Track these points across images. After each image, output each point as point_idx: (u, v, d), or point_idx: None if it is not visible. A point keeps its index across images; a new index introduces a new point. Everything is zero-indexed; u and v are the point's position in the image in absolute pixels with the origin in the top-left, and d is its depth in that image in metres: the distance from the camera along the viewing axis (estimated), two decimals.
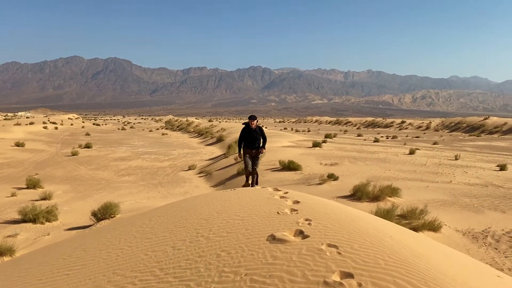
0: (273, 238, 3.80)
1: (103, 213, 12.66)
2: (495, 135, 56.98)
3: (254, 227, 4.33)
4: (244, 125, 9.54)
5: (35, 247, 10.85)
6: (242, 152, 9.52)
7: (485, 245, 8.08)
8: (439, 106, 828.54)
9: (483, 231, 8.93)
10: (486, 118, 68.47)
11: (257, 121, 9.57)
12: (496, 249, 7.88)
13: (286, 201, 5.80)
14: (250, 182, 9.84)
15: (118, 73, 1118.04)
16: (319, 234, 3.81)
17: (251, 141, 9.27)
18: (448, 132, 67.83)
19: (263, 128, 10.08)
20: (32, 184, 19.10)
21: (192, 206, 6.47)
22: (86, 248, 5.49)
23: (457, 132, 66.71)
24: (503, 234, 8.69)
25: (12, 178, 21.91)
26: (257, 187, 9.22)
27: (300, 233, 3.88)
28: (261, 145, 9.47)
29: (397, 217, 8.99)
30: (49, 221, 13.52)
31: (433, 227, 8.55)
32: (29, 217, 13.26)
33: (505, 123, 61.66)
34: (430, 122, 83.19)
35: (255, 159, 9.45)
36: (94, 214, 12.78)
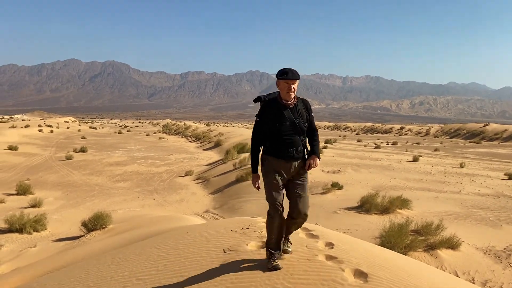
0: None
1: (94, 224, 11.89)
2: (495, 142, 56.42)
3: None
4: (262, 103, 4.04)
5: (20, 260, 10.11)
6: (262, 167, 4.04)
7: (510, 266, 7.37)
8: (437, 112, 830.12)
9: (505, 248, 8.22)
10: (486, 125, 67.94)
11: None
12: None
13: (317, 242, 4.45)
14: (281, 249, 4.00)
15: (116, 77, 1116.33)
16: None
17: (286, 140, 3.88)
18: (448, 138, 67.28)
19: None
20: (22, 190, 18.31)
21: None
22: None
23: (457, 138, 66.16)
24: None
25: (2, 183, 21.11)
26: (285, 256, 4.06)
27: None
28: (309, 148, 4.11)
29: (411, 233, 8.27)
30: (37, 231, 12.73)
31: (452, 244, 7.85)
32: (15, 227, 12.47)
33: (505, 130, 61.12)
34: (429, 128, 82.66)
35: (297, 186, 3.93)
36: (84, 224, 12.00)
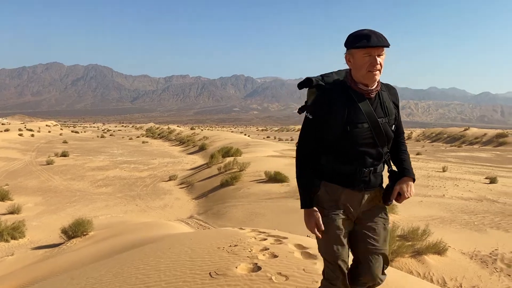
0: None
1: (75, 230, 11.56)
2: (476, 146, 57.33)
3: None
4: (319, 91, 2.46)
5: None
6: (317, 199, 2.44)
7: (497, 271, 7.36)
8: (418, 116, 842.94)
9: (490, 253, 8.23)
10: (467, 129, 69.06)
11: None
12: (510, 275, 7.17)
13: (315, 264, 3.85)
14: None
15: (98, 80, 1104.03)
16: None
17: (360, 153, 2.37)
18: (429, 142, 68.20)
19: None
20: (1, 196, 17.76)
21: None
22: None
23: (438, 142, 67.10)
24: None
25: None
26: None
27: None
28: (391, 165, 2.58)
29: (398, 238, 8.22)
30: (15, 239, 12.35)
31: (438, 250, 7.81)
32: None
33: (485, 134, 62.19)
34: (411, 133, 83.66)
35: (370, 231, 2.45)
36: (64, 231, 11.67)
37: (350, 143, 2.34)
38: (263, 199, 15.12)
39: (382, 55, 2.27)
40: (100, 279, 4.65)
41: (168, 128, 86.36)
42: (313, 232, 2.36)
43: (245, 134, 76.80)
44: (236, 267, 3.90)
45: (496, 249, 8.48)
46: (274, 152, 30.28)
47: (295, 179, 2.48)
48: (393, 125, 2.45)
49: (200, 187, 20.36)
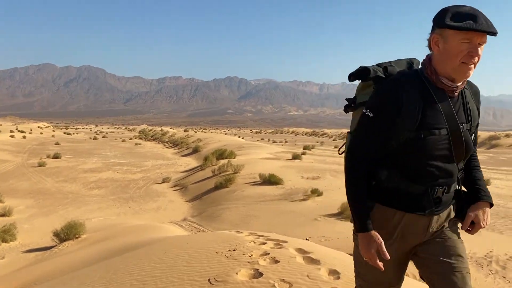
0: None
1: (67, 233, 11.41)
2: None
3: None
4: (384, 84, 1.89)
5: None
6: (375, 221, 1.86)
7: (492, 273, 7.36)
8: None
9: (485, 255, 8.24)
10: None
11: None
12: (505, 277, 7.17)
13: (319, 270, 3.68)
14: None
15: (91, 81, 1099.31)
16: None
17: (435, 168, 1.81)
18: None
19: None
20: None
21: None
22: None
23: None
24: (508, 259, 8.01)
25: None
26: None
27: None
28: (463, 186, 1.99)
29: None
30: (6, 242, 12.19)
31: None
32: None
33: (478, 136, 62.82)
34: None
35: (445, 247, 1.85)
36: (56, 234, 11.51)
37: (421, 154, 1.80)
38: (258, 202, 15.06)
39: (483, 44, 1.73)
40: (93, 286, 4.44)
41: (162, 130, 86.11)
42: (373, 263, 1.80)
43: (239, 136, 76.71)
44: (237, 273, 3.70)
45: (491, 251, 8.48)
46: (268, 155, 30.24)
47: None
48: (473, 134, 1.91)
49: (194, 189, 20.25)
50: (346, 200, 1.91)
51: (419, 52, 1.98)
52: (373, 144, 1.86)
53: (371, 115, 1.84)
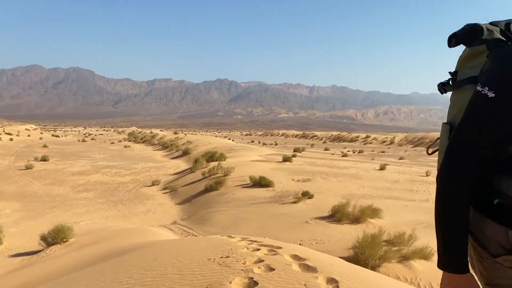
0: None
1: (54, 237, 11.22)
2: None
3: None
4: (497, 49, 1.34)
5: None
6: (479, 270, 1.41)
7: None
8: (400, 121, 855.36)
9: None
10: None
11: None
12: None
13: (316, 278, 3.55)
14: None
15: (80, 83, 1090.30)
16: None
17: None
18: (411, 147, 69.12)
19: None
20: None
21: None
22: None
23: (420, 147, 67.95)
24: None
25: None
26: None
27: None
28: None
29: (385, 244, 8.18)
30: None
31: (425, 255, 7.78)
32: None
33: None
34: (394, 137, 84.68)
35: None
36: (43, 238, 11.31)
37: None
38: (248, 204, 14.97)
39: None
40: None
41: (151, 132, 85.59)
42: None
43: (229, 139, 76.57)
44: (230, 282, 3.52)
45: None
46: (258, 157, 30.18)
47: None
48: None
49: (184, 192, 20.09)
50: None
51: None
52: (492, 138, 1.31)
53: (491, 95, 1.29)
